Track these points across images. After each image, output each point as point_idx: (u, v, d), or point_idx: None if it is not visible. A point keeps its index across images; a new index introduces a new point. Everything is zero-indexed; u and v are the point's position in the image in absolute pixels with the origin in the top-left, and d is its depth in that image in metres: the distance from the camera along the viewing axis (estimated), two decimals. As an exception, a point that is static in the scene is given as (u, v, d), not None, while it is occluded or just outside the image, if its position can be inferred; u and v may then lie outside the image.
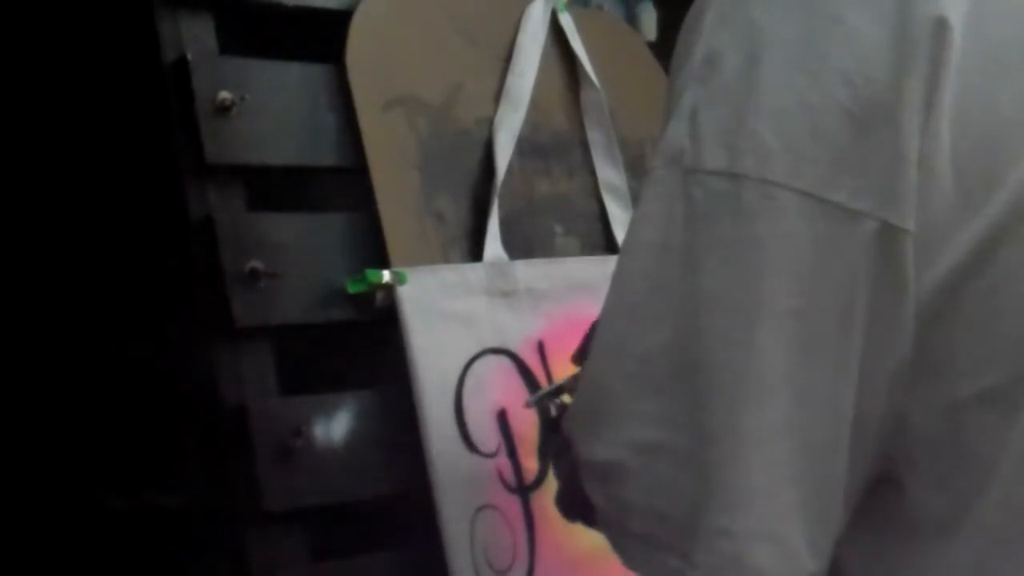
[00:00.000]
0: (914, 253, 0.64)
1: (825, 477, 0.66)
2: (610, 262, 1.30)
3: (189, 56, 1.10)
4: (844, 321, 0.64)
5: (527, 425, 1.22)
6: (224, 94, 1.10)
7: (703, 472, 0.65)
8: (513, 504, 1.18)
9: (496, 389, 1.20)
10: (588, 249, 1.34)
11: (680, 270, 0.66)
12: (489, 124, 1.28)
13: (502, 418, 1.20)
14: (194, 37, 1.12)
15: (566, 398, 1.01)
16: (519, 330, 1.24)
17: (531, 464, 1.20)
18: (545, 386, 1.13)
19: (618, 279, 0.71)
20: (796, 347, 0.64)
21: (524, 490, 1.19)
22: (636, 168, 1.40)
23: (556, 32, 1.36)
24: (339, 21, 1.20)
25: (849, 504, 0.67)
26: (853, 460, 0.66)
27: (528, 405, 1.12)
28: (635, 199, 1.37)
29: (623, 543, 0.72)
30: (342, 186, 1.22)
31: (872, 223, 0.64)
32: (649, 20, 1.48)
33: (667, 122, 0.69)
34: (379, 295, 1.15)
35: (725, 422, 0.65)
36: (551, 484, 1.21)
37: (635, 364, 0.68)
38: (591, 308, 1.28)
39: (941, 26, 0.64)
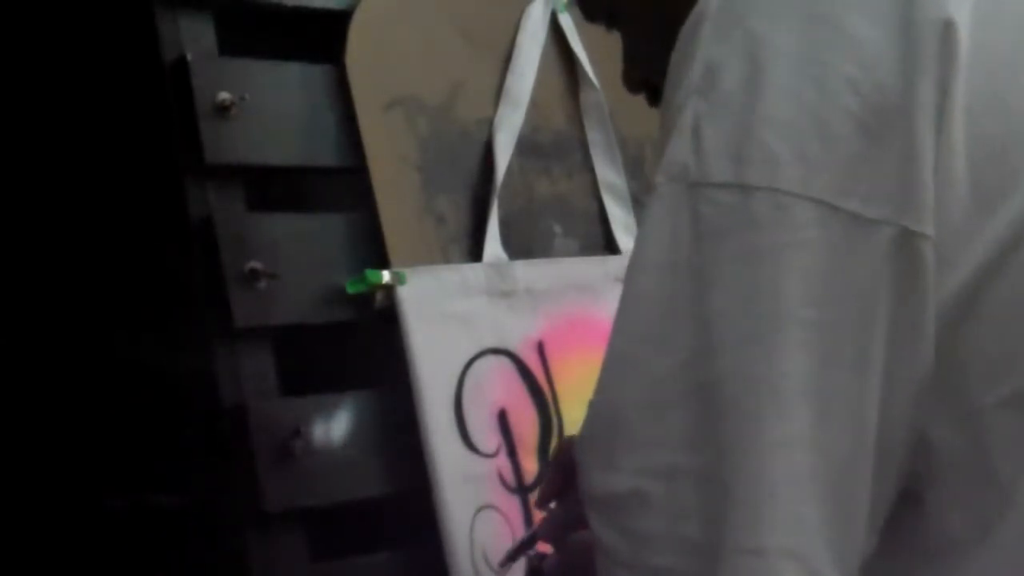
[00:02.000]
0: (933, 258, 0.63)
1: (849, 492, 0.64)
2: (610, 262, 1.32)
3: (189, 56, 1.10)
4: (864, 330, 0.63)
5: (527, 425, 1.22)
6: (224, 94, 1.10)
7: (724, 491, 0.63)
8: (513, 504, 1.18)
9: (496, 389, 1.20)
10: (588, 249, 1.34)
11: (691, 288, 0.65)
12: (489, 124, 1.28)
13: (502, 418, 1.20)
14: (194, 37, 1.12)
15: (543, 546, 0.98)
16: (519, 330, 1.24)
17: (531, 464, 1.20)
18: (514, 542, 1.08)
19: (625, 302, 0.69)
20: (816, 358, 0.63)
21: (524, 490, 1.19)
22: (636, 168, 1.40)
23: (556, 32, 1.36)
24: (339, 21, 1.20)
25: (875, 523, 0.66)
26: (878, 476, 0.65)
27: (502, 565, 1.09)
28: (635, 199, 1.37)
29: None
30: (342, 186, 1.22)
31: (889, 229, 0.63)
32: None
33: (666, 139, 0.68)
34: (379, 295, 1.15)
35: (745, 438, 0.63)
36: (551, 484, 1.21)
37: (649, 388, 0.66)
38: (591, 308, 1.29)
39: (947, 28, 0.64)
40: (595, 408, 0.70)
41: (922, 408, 0.65)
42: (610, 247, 1.36)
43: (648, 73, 0.84)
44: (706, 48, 0.67)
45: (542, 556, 0.97)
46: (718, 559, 0.64)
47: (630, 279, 0.69)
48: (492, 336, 1.21)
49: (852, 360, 0.64)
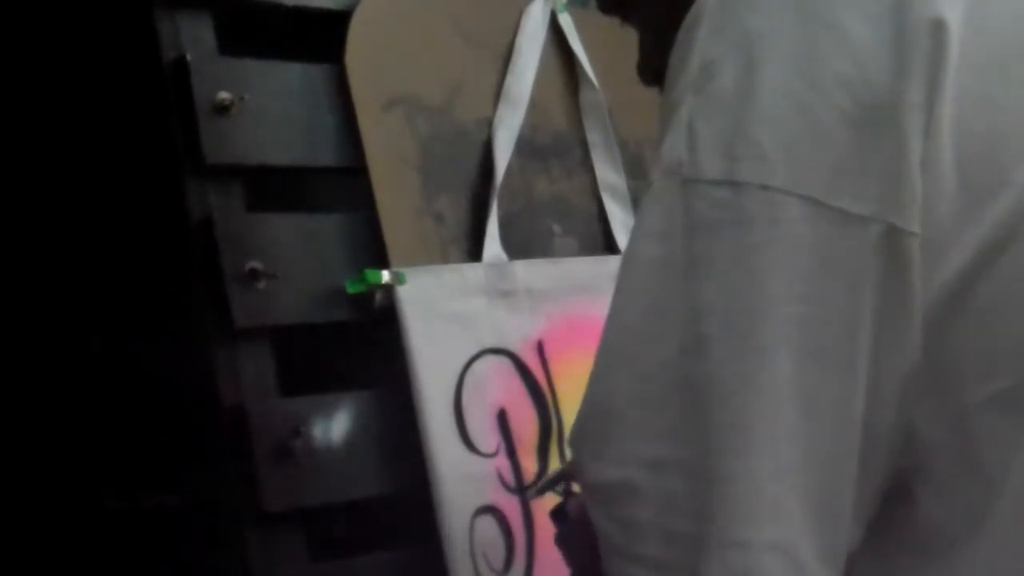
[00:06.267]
0: (920, 256, 0.63)
1: (835, 488, 0.65)
2: (609, 262, 1.32)
3: (188, 56, 1.10)
4: (851, 327, 0.64)
5: (527, 425, 1.22)
6: (223, 94, 1.10)
7: (711, 484, 0.64)
8: (513, 504, 1.18)
9: (496, 389, 1.20)
10: (587, 249, 1.34)
11: (682, 282, 0.66)
12: (489, 124, 1.28)
13: (502, 418, 1.20)
14: (193, 37, 1.12)
15: (576, 487, 0.99)
16: (518, 330, 1.24)
17: (530, 464, 1.20)
18: (549, 475, 1.10)
19: (619, 295, 0.70)
20: (803, 354, 0.63)
21: (524, 490, 1.19)
22: (635, 168, 1.40)
23: (555, 32, 1.36)
24: (339, 21, 1.20)
25: (861, 518, 0.67)
26: (864, 471, 0.65)
27: (531, 496, 1.11)
28: (634, 199, 1.37)
29: (628, 572, 0.69)
30: (342, 186, 1.22)
31: (877, 227, 0.63)
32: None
33: (664, 134, 0.69)
34: (378, 295, 1.15)
35: (732, 432, 0.64)
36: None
37: (640, 380, 0.67)
38: (590, 308, 1.29)
39: (938, 27, 0.64)
40: (588, 399, 0.71)
41: (910, 404, 0.65)
42: (610, 247, 1.36)
43: (662, 66, 0.84)
44: (703, 44, 0.68)
45: (569, 494, 0.98)
46: (704, 551, 0.64)
47: (623, 273, 0.70)
48: (492, 336, 1.21)
49: (838, 356, 0.64)
